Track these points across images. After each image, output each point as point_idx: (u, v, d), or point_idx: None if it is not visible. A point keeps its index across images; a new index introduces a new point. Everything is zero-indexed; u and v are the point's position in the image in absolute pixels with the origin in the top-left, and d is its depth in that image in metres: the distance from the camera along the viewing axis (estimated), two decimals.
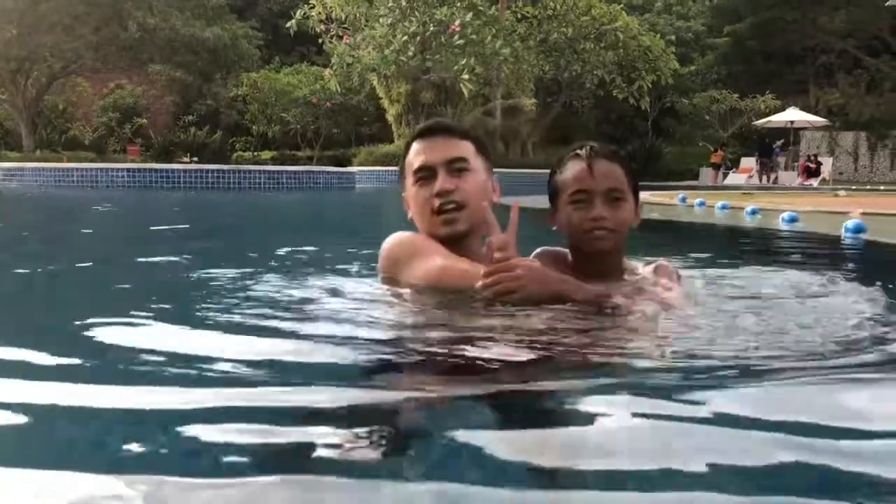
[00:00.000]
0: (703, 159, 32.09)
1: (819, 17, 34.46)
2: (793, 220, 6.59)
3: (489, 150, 2.12)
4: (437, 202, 1.96)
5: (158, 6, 30.73)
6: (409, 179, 2.05)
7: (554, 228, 2.03)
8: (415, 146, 2.05)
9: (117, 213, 8.27)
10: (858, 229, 5.17)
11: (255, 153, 35.58)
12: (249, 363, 1.44)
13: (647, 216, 8.60)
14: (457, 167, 1.99)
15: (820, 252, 4.70)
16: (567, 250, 2.07)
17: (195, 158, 31.52)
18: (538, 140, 31.58)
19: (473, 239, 2.00)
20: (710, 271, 2.78)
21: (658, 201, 10.68)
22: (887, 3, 21.41)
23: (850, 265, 3.93)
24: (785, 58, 36.45)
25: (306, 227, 7.13)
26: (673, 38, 32.00)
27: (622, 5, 31.69)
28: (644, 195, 12.27)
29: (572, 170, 1.97)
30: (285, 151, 35.08)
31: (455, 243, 1.96)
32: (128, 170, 14.53)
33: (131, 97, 37.01)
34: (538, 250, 2.10)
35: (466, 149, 2.03)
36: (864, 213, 7.20)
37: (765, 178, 28.19)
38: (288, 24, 24.81)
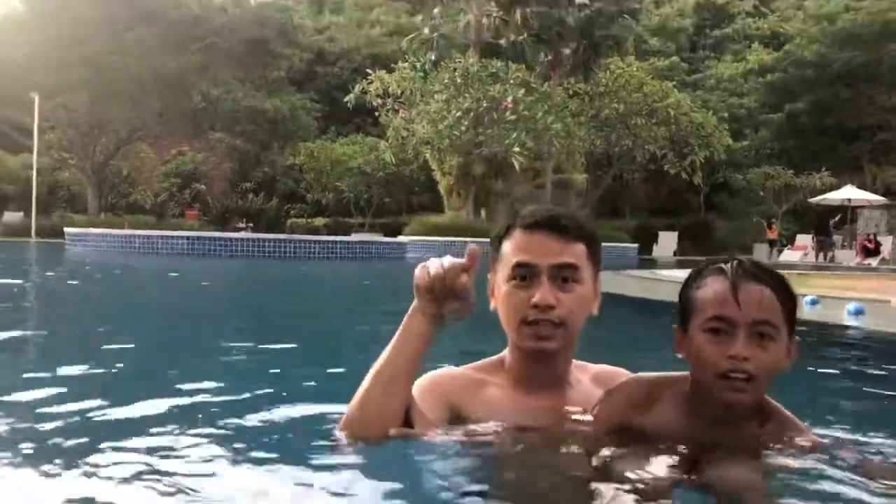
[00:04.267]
0: (757, 235, 31.69)
1: (876, 95, 34.28)
2: (858, 312, 6.15)
3: (600, 248, 1.80)
4: (532, 314, 1.67)
5: (221, 78, 32.08)
6: (503, 271, 1.74)
7: (680, 356, 1.66)
8: (518, 236, 1.74)
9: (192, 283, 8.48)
10: None
11: (309, 220, 36.33)
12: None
13: None
14: (563, 276, 1.69)
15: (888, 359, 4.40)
16: (683, 375, 1.69)
17: (251, 224, 32.31)
18: (588, 212, 31.64)
19: (560, 356, 1.75)
20: None
21: None
22: None
23: None
24: (840, 134, 36.16)
25: (358, 301, 7.21)
26: (725, 114, 32.07)
27: (674, 82, 31.96)
28: None
29: (712, 288, 1.58)
30: (338, 218, 35.77)
31: (538, 357, 1.73)
32: (188, 238, 14.96)
33: (192, 163, 38.30)
34: (629, 379, 1.77)
35: (579, 254, 1.72)
36: None
37: (821, 256, 27.66)
38: (346, 99, 25.63)
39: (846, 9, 38.82)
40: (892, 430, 2.20)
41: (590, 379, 1.85)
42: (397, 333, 1.67)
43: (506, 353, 1.82)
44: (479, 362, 1.86)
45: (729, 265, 1.59)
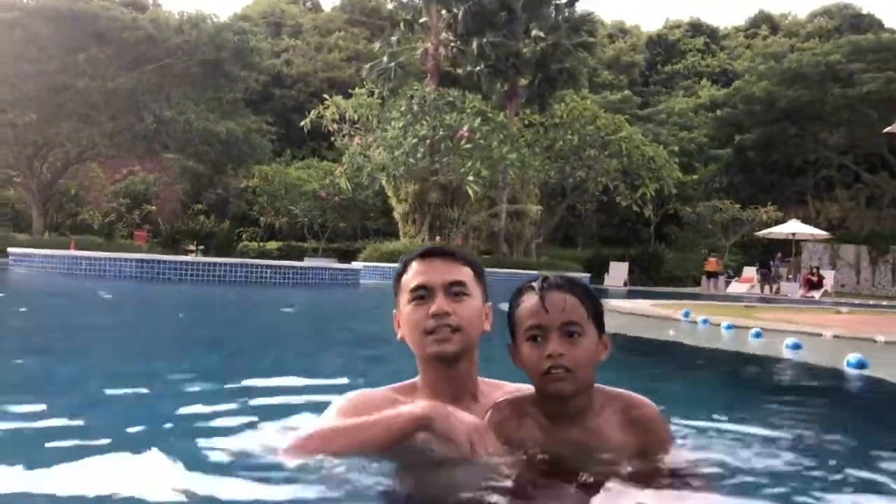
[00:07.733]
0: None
1: (819, 132, 35.43)
2: (796, 347, 6.52)
3: (485, 277, 2.10)
4: (431, 323, 1.94)
5: (175, 99, 31.69)
6: (404, 298, 2.02)
7: (519, 367, 1.91)
8: (414, 265, 2.04)
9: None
10: (861, 365, 5.17)
11: (262, 243, 35.96)
12: None
13: (646, 335, 8.21)
14: (455, 291, 1.97)
15: (821, 391, 4.68)
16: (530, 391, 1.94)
17: (202, 246, 31.86)
18: (542, 241, 31.97)
19: (463, 363, 1.97)
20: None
21: (660, 314, 10.67)
22: (885, 130, 22.04)
23: (851, 410, 3.91)
24: (786, 169, 37.28)
25: (305, 335, 7.16)
26: (676, 148, 32.83)
27: (626, 116, 32.62)
28: (645, 305, 11.82)
29: (526, 303, 1.86)
30: (291, 242, 35.50)
31: (443, 364, 1.95)
32: (136, 260, 14.62)
33: (143, 184, 37.73)
34: (500, 401, 1.98)
35: (466, 273, 2.02)
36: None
37: (766, 288, 28.32)
38: (302, 123, 25.54)
39: (792, 49, 40.20)
40: (819, 450, 2.44)
41: (503, 395, 2.04)
42: (382, 425, 1.82)
43: (418, 378, 2.04)
44: (395, 385, 2.07)
45: (538, 282, 1.87)
